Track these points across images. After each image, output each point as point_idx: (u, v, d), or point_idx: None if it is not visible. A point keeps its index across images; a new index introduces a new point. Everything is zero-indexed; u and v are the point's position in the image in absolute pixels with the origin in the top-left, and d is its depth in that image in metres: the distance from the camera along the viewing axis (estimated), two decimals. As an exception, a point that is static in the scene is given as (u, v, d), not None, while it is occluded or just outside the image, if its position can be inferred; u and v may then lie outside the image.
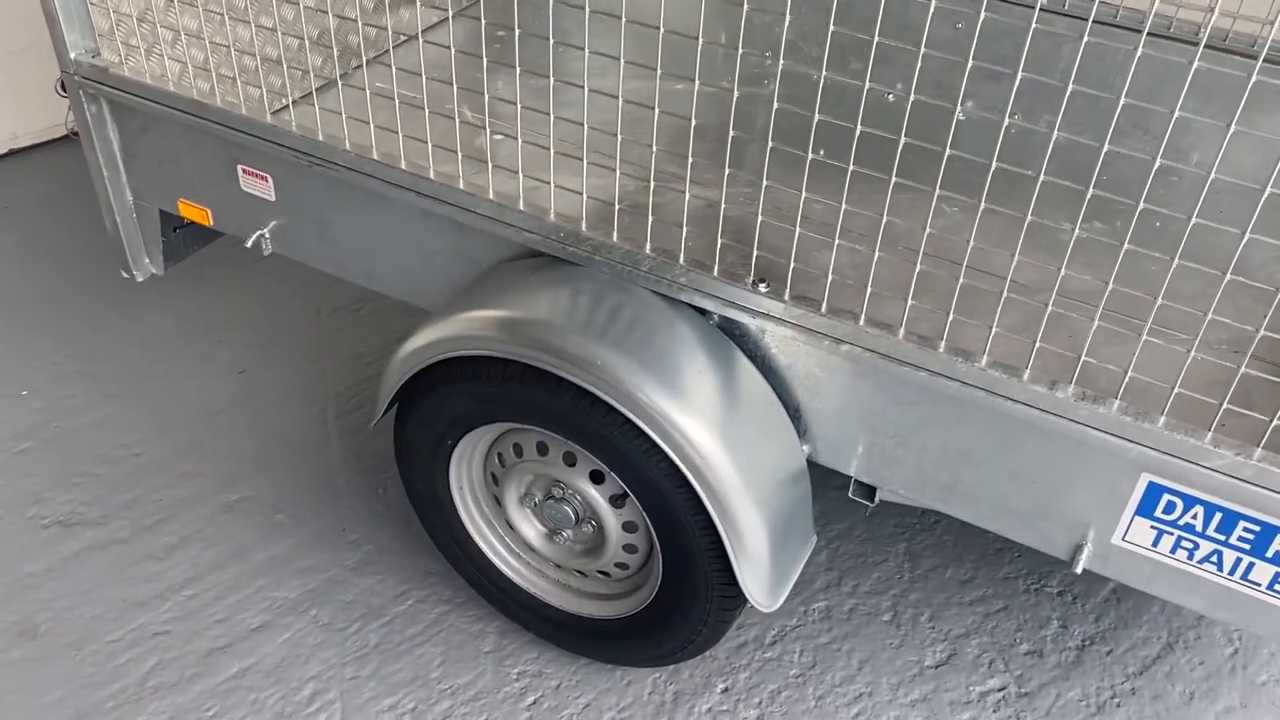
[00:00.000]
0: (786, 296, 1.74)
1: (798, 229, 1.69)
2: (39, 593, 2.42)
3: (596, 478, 1.96)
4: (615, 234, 1.85)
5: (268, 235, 2.33)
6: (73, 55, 2.23)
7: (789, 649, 2.25)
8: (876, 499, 1.93)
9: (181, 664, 2.27)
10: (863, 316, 1.69)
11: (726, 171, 1.71)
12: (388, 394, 2.02)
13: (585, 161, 1.82)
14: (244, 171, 2.25)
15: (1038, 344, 1.58)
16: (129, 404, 2.94)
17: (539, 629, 2.23)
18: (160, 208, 2.47)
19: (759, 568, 1.81)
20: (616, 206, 1.84)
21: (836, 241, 1.67)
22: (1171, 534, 1.66)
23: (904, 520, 2.54)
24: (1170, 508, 1.64)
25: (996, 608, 2.33)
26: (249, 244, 2.32)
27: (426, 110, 1.92)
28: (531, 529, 2.14)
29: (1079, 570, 1.73)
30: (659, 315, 1.82)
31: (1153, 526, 1.67)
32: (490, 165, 1.92)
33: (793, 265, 1.72)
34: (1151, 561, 1.71)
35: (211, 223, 2.41)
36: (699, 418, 1.74)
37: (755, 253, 1.75)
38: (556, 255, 1.91)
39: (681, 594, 1.93)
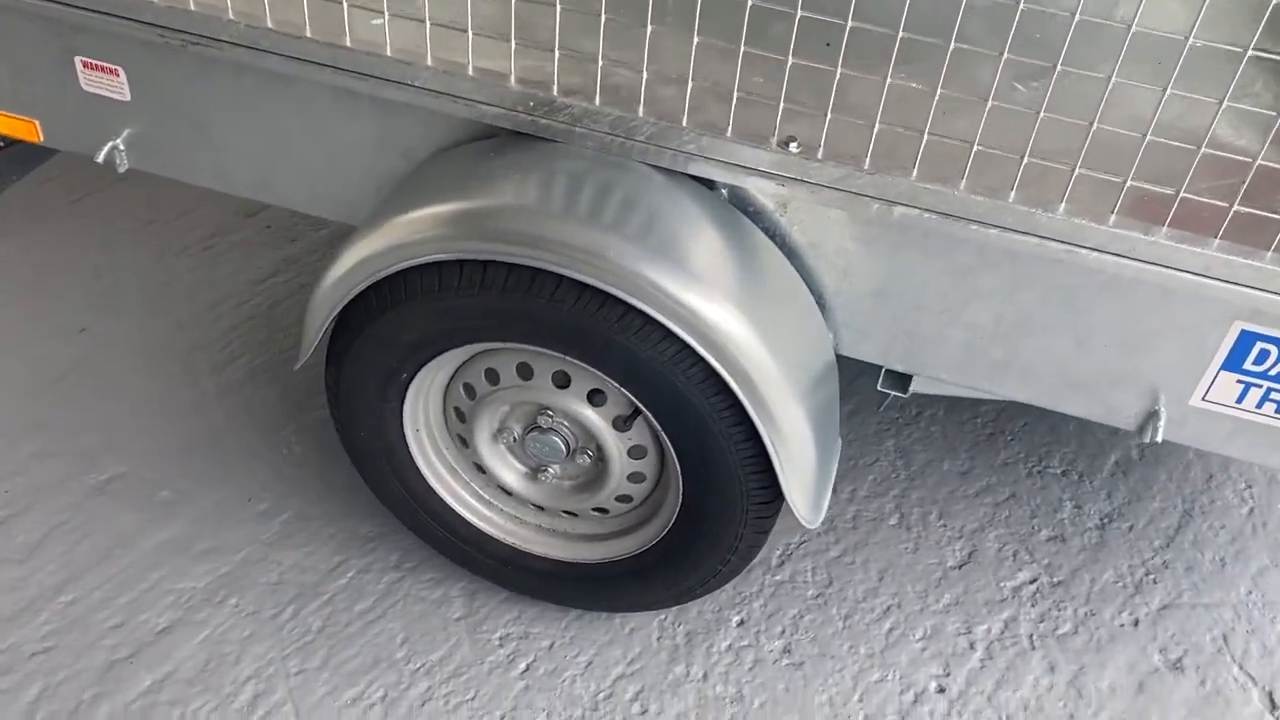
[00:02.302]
0: (821, 156, 1.45)
1: (839, 69, 1.40)
2: None
3: (595, 399, 1.64)
4: (598, 98, 1.52)
5: (122, 147, 1.86)
6: None
7: (799, 569, 2.02)
8: (911, 389, 1.70)
9: (75, 686, 1.83)
10: (915, 170, 1.43)
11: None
12: (319, 325, 1.64)
13: (559, 6, 1.47)
14: (85, 65, 1.78)
15: (1128, 182, 1.37)
16: (-59, 382, 2.39)
17: (519, 584, 1.92)
18: (-34, 124, 1.95)
19: (805, 476, 1.55)
20: (600, 62, 1.50)
21: (888, 81, 1.39)
22: (1260, 386, 1.51)
23: (885, 416, 2.33)
24: (1262, 357, 1.48)
25: (1004, 496, 2.17)
26: (100, 159, 1.85)
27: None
28: (509, 470, 1.80)
29: (1156, 440, 1.56)
30: (663, 192, 1.51)
31: (1239, 380, 1.51)
32: (429, 23, 1.53)
33: (829, 116, 1.43)
34: (1233, 420, 1.55)
35: (41, 138, 1.91)
36: (732, 310, 1.45)
37: (781, 105, 1.45)
38: (522, 131, 1.56)
39: (707, 520, 1.65)
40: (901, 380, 1.70)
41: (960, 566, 2.03)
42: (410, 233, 1.51)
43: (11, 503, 2.14)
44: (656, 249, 1.44)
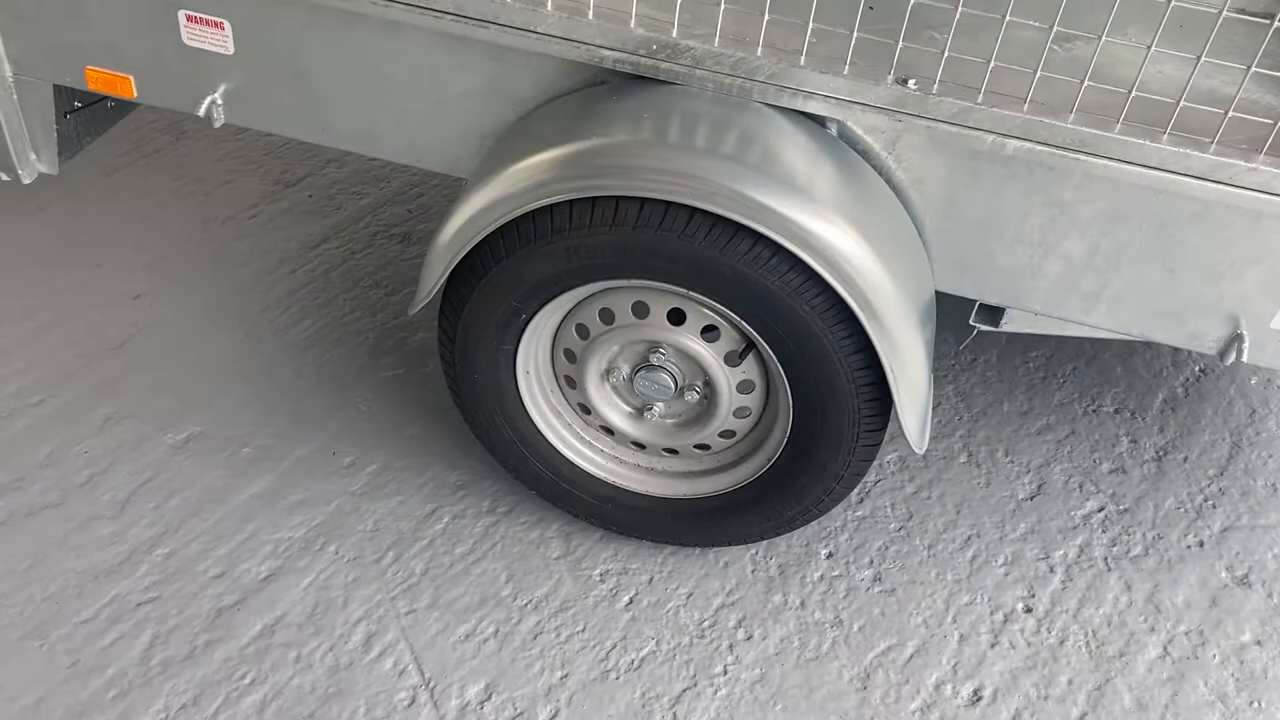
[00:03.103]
0: (935, 91, 1.53)
1: (959, 8, 1.48)
2: (-39, 581, 1.92)
3: (708, 334, 1.71)
4: (718, 39, 1.58)
5: (220, 101, 1.89)
6: (-71, -127, 1.69)
7: (879, 505, 2.10)
8: (1003, 322, 1.79)
9: (187, 632, 1.85)
10: (1027, 103, 1.52)
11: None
12: (443, 270, 1.68)
13: (686, -47, 1.53)
14: (189, 19, 1.80)
15: (1229, 114, 1.46)
16: (1, 349, 2.39)
17: (619, 522, 1.97)
18: (56, 82, 1.96)
19: (918, 401, 1.63)
20: (722, 5, 1.56)
21: (1006, 18, 1.47)
22: (1342, 306, 1.61)
23: (941, 363, 2.43)
24: (1343, 278, 1.58)
25: (1064, 434, 2.27)
26: (200, 113, 1.87)
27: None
28: (614, 409, 1.86)
29: (1241, 361, 1.66)
30: (782, 129, 1.58)
31: (1319, 302, 1.61)
32: (553, -29, 1.59)
33: (946, 54, 1.51)
34: (1314, 340, 1.66)
35: (136, 94, 1.93)
36: (857, 240, 1.52)
37: (900, 44, 1.53)
38: (641, 75, 1.62)
39: (817, 449, 1.72)
40: (994, 314, 1.79)
41: (1031, 498, 2.13)
42: (541, 174, 1.56)
43: (93, 463, 2.15)
44: (783, 182, 1.51)
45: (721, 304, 1.61)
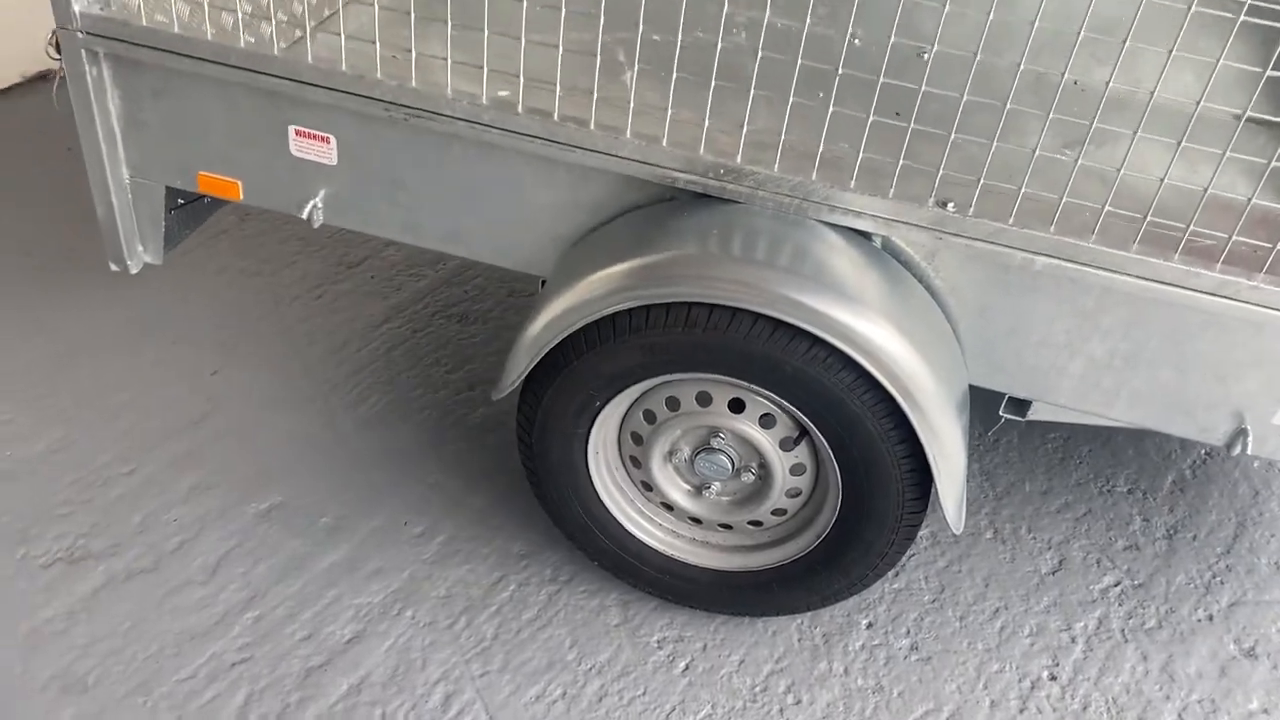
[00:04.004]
0: (972, 213, 1.74)
1: (994, 143, 1.69)
2: (69, 639, 2.08)
3: (764, 421, 1.89)
4: (778, 165, 1.79)
5: (320, 205, 2.09)
6: (78, 8, 1.90)
7: (914, 578, 2.27)
8: (1029, 415, 1.98)
9: (279, 691, 2.01)
10: (1054, 224, 1.72)
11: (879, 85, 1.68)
12: (528, 363, 1.86)
13: (752, 92, 1.74)
14: (298, 133, 2.01)
15: (1233, 237, 1.67)
16: (89, 421, 2.57)
17: (676, 593, 2.14)
18: (169, 185, 2.17)
19: (956, 486, 1.81)
20: (782, 136, 1.77)
21: (1035, 153, 1.68)
22: (1333, 406, 1.80)
23: (969, 446, 2.61)
24: (1336, 381, 1.77)
25: (1082, 512, 2.45)
26: (302, 215, 2.07)
27: (560, 49, 1.78)
28: (674, 487, 2.04)
29: (1245, 453, 1.84)
30: (833, 243, 1.78)
31: (1315, 401, 1.80)
32: (632, 103, 1.80)
33: (981, 182, 1.72)
34: (1311, 434, 1.84)
35: (242, 197, 2.13)
36: (903, 343, 1.72)
37: (940, 171, 1.74)
38: (709, 194, 1.83)
39: (864, 528, 1.90)
40: (1021, 406, 1.97)
41: (1053, 573, 2.30)
42: (622, 281, 1.76)
43: (183, 530, 2.32)
44: (837, 290, 1.71)
45: (780, 396, 1.80)
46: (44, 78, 4.09)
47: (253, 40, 1.94)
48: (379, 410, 2.66)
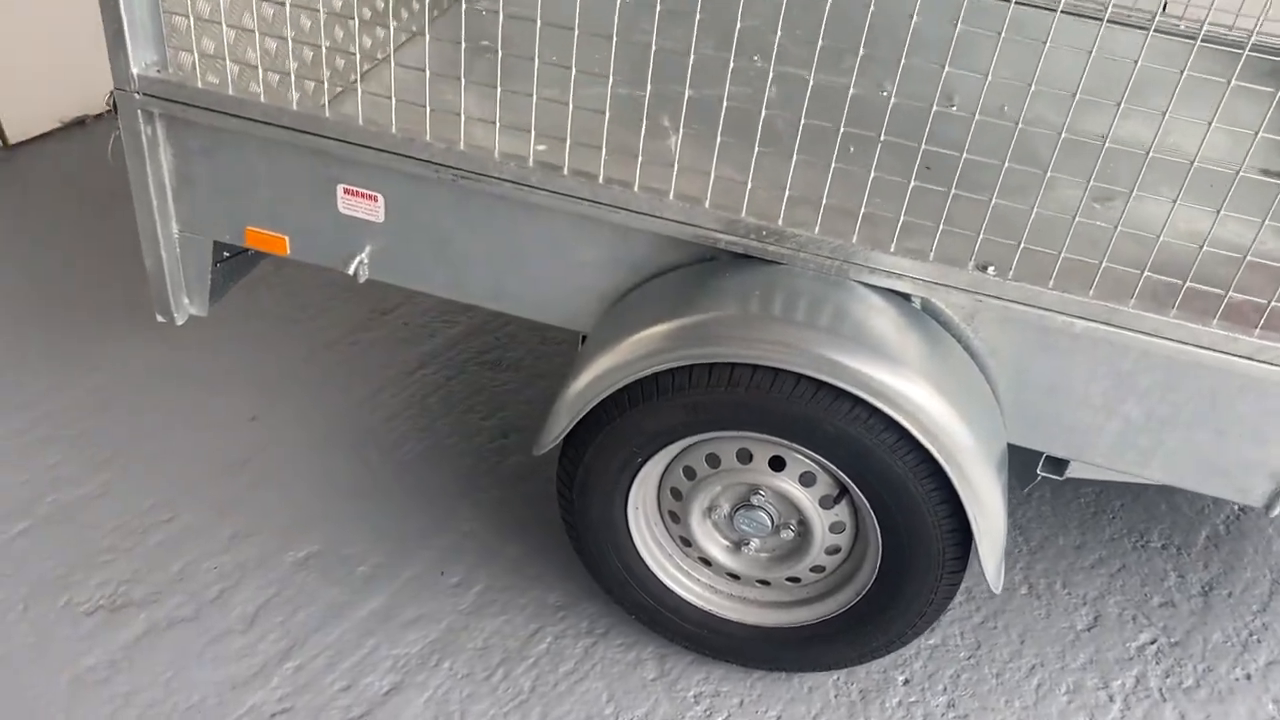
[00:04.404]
0: (1011, 276, 1.76)
1: (1034, 209, 1.72)
2: (111, 689, 2.11)
3: (805, 479, 1.91)
4: (819, 228, 1.82)
5: (366, 260, 2.13)
6: (135, 71, 1.96)
7: (949, 634, 2.28)
8: (1066, 473, 1.99)
9: (320, 742, 2.03)
10: (1093, 288, 1.74)
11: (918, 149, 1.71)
12: (572, 416, 1.89)
13: (795, 156, 1.78)
14: (346, 191, 2.05)
15: (1272, 303, 1.68)
16: (130, 467, 2.61)
17: (712, 647, 2.15)
18: (217, 239, 2.21)
19: (996, 546, 1.82)
20: (824, 200, 1.80)
21: (1075, 220, 1.71)
22: (1373, 469, 1.81)
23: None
24: (1375, 444, 1.78)
25: (1116, 568, 2.45)
26: (349, 271, 2.11)
27: (608, 115, 1.82)
28: (713, 543, 2.06)
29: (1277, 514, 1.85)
30: (874, 305, 1.81)
31: (1354, 464, 1.81)
32: (676, 165, 1.84)
33: (1022, 246, 1.74)
34: (1349, 495, 1.85)
35: (289, 252, 2.18)
36: (943, 404, 1.74)
37: (980, 236, 1.76)
38: (750, 255, 1.86)
39: (903, 586, 1.91)
40: (1058, 465, 1.99)
41: (1089, 629, 2.31)
42: (666, 340, 1.79)
43: (223, 578, 2.35)
44: (879, 352, 1.73)
45: (821, 455, 1.82)
46: (81, 123, 4.17)
47: (297, 95, 1.98)
48: (414, 456, 2.69)
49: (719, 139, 1.80)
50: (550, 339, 3.15)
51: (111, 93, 2.01)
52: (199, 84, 1.96)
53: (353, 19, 2.33)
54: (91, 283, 3.21)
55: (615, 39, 1.73)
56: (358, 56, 1.89)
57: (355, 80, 1.99)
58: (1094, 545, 2.51)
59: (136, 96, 1.98)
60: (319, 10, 1.95)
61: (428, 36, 1.84)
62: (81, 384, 2.84)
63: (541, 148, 1.86)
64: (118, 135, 2.07)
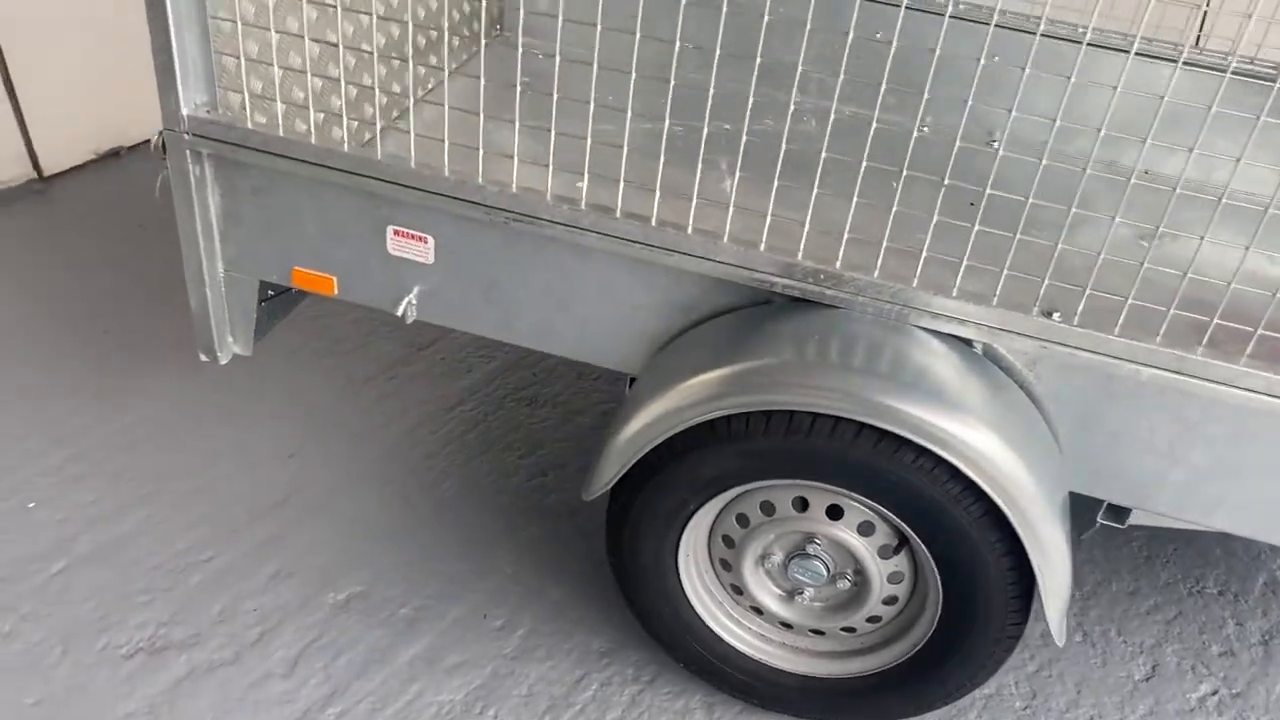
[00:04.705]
0: (1077, 322, 1.73)
1: (1101, 256, 1.68)
2: (152, 735, 2.08)
3: (864, 529, 1.87)
4: (878, 271, 1.79)
5: (414, 301, 2.11)
6: (186, 111, 1.95)
7: (1004, 682, 2.23)
8: (1127, 521, 1.94)
9: (365, 792, 1.99)
10: (1160, 335, 1.70)
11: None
12: (624, 462, 1.86)
13: (855, 199, 1.75)
14: (396, 233, 2.03)
15: (1348, 351, 1.64)
16: (167, 505, 2.59)
17: (763, 698, 2.10)
18: (263, 279, 2.20)
19: (1061, 597, 1.78)
20: (884, 245, 1.77)
21: (1144, 268, 1.67)
22: None
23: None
24: None
25: (1172, 614, 2.40)
26: (397, 312, 2.09)
27: (662, 159, 1.80)
28: (766, 592, 2.02)
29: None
30: (936, 351, 1.77)
31: None
32: (731, 207, 1.81)
33: (1088, 292, 1.71)
34: None
35: (336, 292, 2.16)
36: (1009, 453, 1.70)
37: (1046, 281, 1.73)
38: (807, 298, 1.83)
39: (963, 637, 1.86)
40: (1120, 513, 1.94)
41: (1147, 679, 2.25)
42: (722, 386, 1.75)
43: (263, 620, 2.32)
44: (943, 400, 1.69)
45: (882, 505, 1.78)
46: (115, 154, 4.19)
47: (346, 134, 1.97)
48: (454, 495, 2.66)
49: (776, 181, 1.77)
50: (587, 375, 3.13)
51: (160, 133, 2.00)
52: (249, 124, 1.95)
53: (399, 59, 2.33)
54: (127, 316, 3.21)
55: (672, 82, 1.71)
56: (412, 99, 1.87)
57: (399, 117, 1.97)
58: (1148, 591, 2.46)
59: (186, 137, 1.97)
60: (366, 49, 1.94)
61: (483, 79, 1.82)
62: (117, 419, 2.82)
63: (580, 183, 1.84)
64: (165, 174, 2.06)
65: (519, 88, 1.79)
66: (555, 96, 1.78)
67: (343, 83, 1.89)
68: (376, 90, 1.98)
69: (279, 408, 2.91)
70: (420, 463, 2.76)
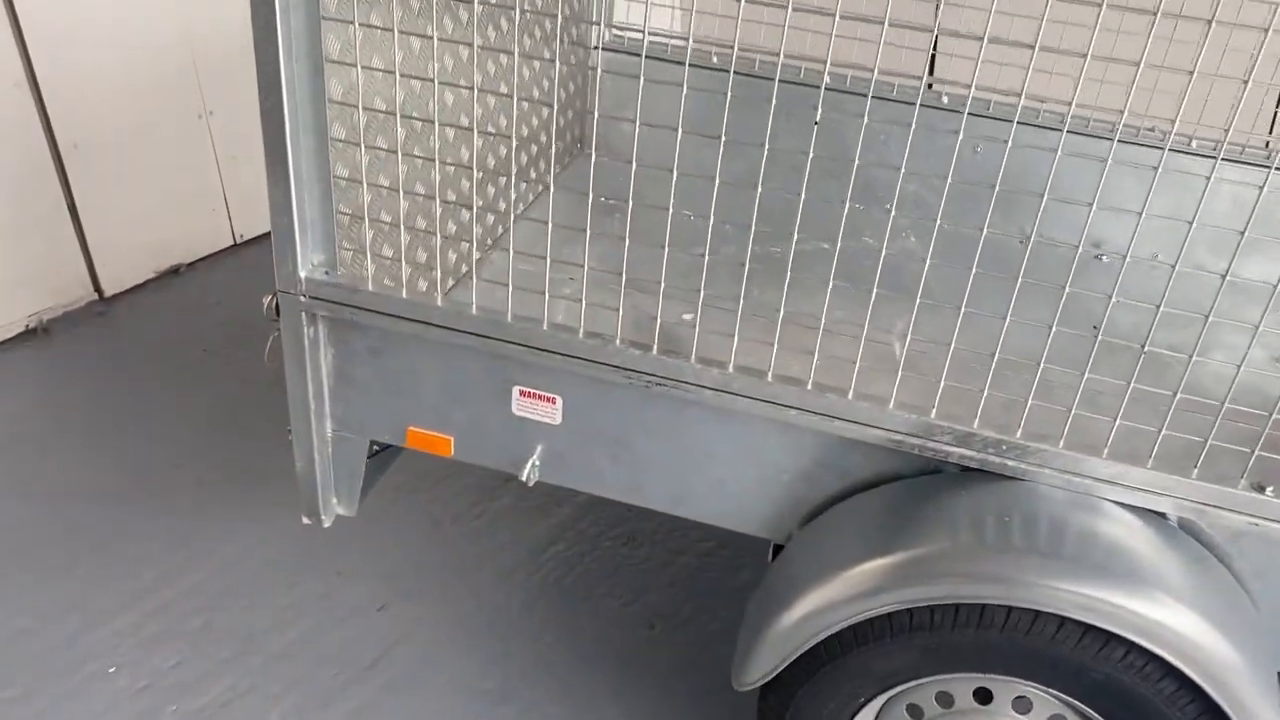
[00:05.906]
0: (1289, 498, 1.57)
1: (1322, 426, 1.53)
2: None
3: (1052, 721, 1.70)
4: (1062, 442, 1.64)
5: (538, 462, 1.97)
6: (303, 274, 1.83)
7: None
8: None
9: None
10: (1386, 513, 1.54)
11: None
12: (784, 655, 1.69)
13: (1041, 367, 1.61)
14: (522, 394, 1.90)
15: None
16: (254, 668, 2.43)
17: None
18: (374, 439, 2.06)
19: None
20: (1072, 411, 1.63)
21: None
22: None
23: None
24: None
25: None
26: (522, 476, 1.95)
27: (821, 328, 1.67)
28: (935, 782, 1.84)
29: None
30: (1135, 529, 1.61)
31: None
32: (900, 373, 1.68)
33: (1303, 464, 1.56)
34: None
35: (453, 453, 2.02)
36: (1227, 647, 1.53)
37: (1255, 452, 1.58)
38: (983, 469, 1.68)
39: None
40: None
41: None
42: (898, 575, 1.59)
43: (367, 803, 2.14)
44: (1153, 588, 1.53)
45: (1084, 703, 1.61)
46: (175, 271, 4.12)
47: (471, 296, 1.85)
48: (557, 649, 2.49)
49: (953, 345, 1.63)
50: (684, 508, 2.97)
51: (274, 295, 1.88)
52: (370, 287, 1.83)
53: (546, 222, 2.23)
54: (198, 446, 3.08)
55: (840, 245, 1.59)
56: (548, 262, 1.75)
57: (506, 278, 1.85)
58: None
59: (302, 299, 1.86)
60: (474, 206, 1.83)
61: (627, 240, 1.70)
62: (197, 570, 2.68)
63: (688, 316, 1.70)
64: (276, 336, 1.94)
65: (665, 251, 1.67)
66: (706, 258, 1.66)
67: (474, 245, 1.77)
68: (511, 255, 1.87)
69: (365, 553, 2.76)
70: (519, 613, 2.60)
